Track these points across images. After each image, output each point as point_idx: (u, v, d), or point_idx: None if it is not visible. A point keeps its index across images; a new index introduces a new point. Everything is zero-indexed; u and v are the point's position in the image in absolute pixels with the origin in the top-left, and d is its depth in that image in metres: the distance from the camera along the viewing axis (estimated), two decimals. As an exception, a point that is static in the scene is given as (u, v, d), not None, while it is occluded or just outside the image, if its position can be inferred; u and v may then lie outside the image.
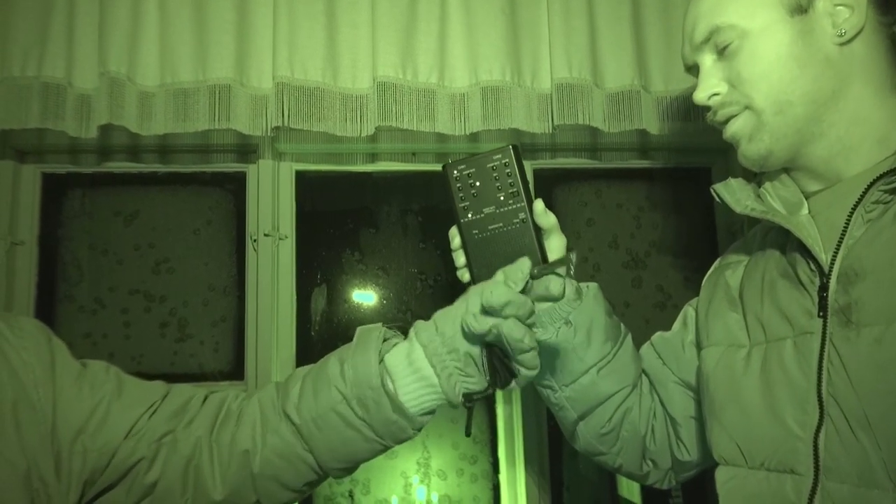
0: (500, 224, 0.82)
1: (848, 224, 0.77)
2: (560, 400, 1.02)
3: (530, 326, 0.75)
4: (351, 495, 1.66)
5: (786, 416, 0.77)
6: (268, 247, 1.58)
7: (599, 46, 1.46)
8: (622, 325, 1.05)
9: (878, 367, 0.69)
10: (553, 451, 1.62)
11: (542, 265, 0.79)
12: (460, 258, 0.87)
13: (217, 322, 1.62)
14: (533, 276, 0.77)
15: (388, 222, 1.73)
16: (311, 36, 1.41)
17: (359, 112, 1.41)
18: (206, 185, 1.66)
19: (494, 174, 0.83)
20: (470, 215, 0.83)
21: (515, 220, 0.82)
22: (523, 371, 0.75)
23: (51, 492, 0.72)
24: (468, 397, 0.76)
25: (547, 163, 1.69)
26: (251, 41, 1.40)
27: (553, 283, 0.79)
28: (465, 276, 0.87)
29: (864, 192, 0.76)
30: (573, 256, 0.77)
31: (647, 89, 1.47)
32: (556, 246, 0.90)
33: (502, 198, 0.83)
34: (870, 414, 0.69)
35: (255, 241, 1.58)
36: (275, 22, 1.39)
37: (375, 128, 1.40)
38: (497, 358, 0.76)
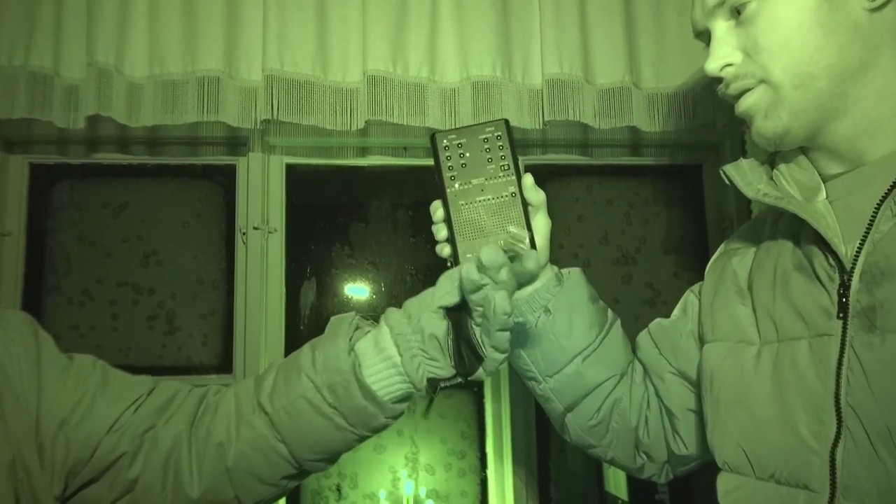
0: (490, 196, 0.80)
1: (874, 217, 0.69)
2: (545, 391, 0.98)
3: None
4: (339, 489, 1.66)
5: (799, 426, 0.71)
6: (257, 240, 1.57)
7: (591, 42, 1.46)
8: (610, 311, 1.00)
9: None
10: (541, 446, 1.62)
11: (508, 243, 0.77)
12: (441, 231, 0.82)
13: (206, 315, 1.62)
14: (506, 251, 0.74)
15: (379, 217, 1.73)
16: (302, 29, 1.40)
17: (349, 106, 1.40)
18: (195, 177, 1.66)
19: (486, 146, 0.81)
20: (458, 185, 0.81)
21: (505, 193, 0.79)
22: (492, 354, 0.73)
23: (34, 482, 0.72)
24: (433, 383, 0.75)
25: (538, 159, 1.69)
26: (240, 33, 1.39)
27: (527, 258, 0.75)
28: (444, 250, 0.81)
29: (895, 183, 0.68)
30: (524, 233, 0.74)
31: (639, 86, 1.47)
32: (541, 225, 0.85)
33: (492, 169, 0.80)
34: (893, 430, 0.63)
35: (244, 234, 1.58)
36: (265, 14, 1.38)
37: (366, 122, 1.39)
38: (464, 341, 0.74)
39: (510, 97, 1.43)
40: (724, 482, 0.80)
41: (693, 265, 1.71)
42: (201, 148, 1.62)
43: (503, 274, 0.71)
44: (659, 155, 1.73)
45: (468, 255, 0.77)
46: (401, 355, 0.75)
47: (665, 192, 1.77)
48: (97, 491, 0.77)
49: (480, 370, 0.74)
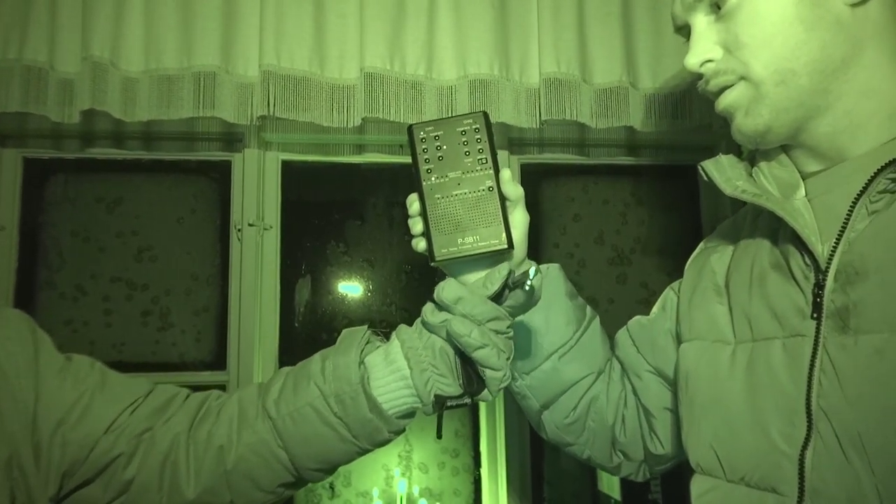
0: (466, 190, 0.78)
1: (850, 215, 0.68)
2: (521, 388, 0.97)
3: (500, 332, 0.75)
4: (332, 487, 1.66)
5: (770, 428, 0.70)
6: (252, 237, 1.57)
7: (588, 42, 1.46)
8: (588, 308, 0.99)
9: (877, 382, 0.61)
10: (534, 445, 1.63)
11: (516, 275, 0.78)
12: (417, 225, 0.81)
13: (199, 311, 1.61)
14: (509, 287, 0.76)
15: (374, 214, 1.72)
16: (299, 24, 1.39)
17: (345, 102, 1.40)
18: (190, 173, 1.65)
19: (464, 138, 0.79)
20: (434, 178, 0.79)
21: (482, 188, 0.78)
22: (488, 372, 0.74)
23: (30, 482, 0.72)
24: (440, 400, 0.75)
25: (534, 158, 1.69)
26: (237, 28, 1.38)
27: (518, 294, 0.77)
28: (420, 244, 0.81)
29: (870, 180, 0.67)
30: (531, 272, 0.75)
31: (635, 86, 1.47)
32: (518, 221, 0.83)
33: (469, 163, 0.79)
34: (864, 434, 0.62)
35: (239, 230, 1.57)
36: (262, 9, 1.37)
37: (362, 119, 1.39)
38: (469, 361, 0.75)
39: (507, 96, 1.42)
40: (697, 484, 0.79)
41: (688, 266, 1.71)
42: (197, 143, 1.61)
43: (461, 306, 0.74)
44: (655, 155, 1.73)
45: (444, 251, 0.77)
46: (410, 368, 0.76)
47: (661, 193, 1.77)
48: (92, 492, 0.77)
49: (486, 391, 0.76)
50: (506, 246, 0.76)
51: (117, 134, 1.57)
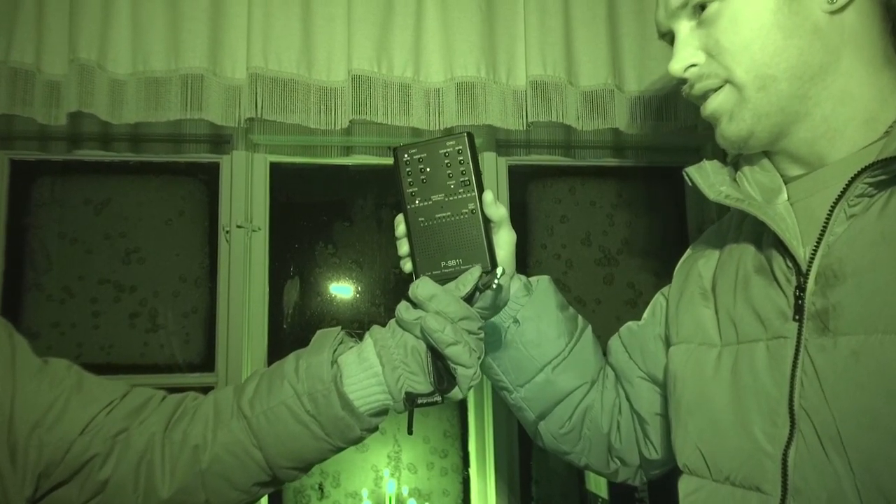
0: (448, 213, 0.79)
1: (829, 219, 0.69)
2: (517, 401, 0.99)
3: (472, 331, 0.77)
4: (321, 488, 1.66)
5: (754, 428, 0.71)
6: (240, 238, 1.57)
7: (574, 45, 1.47)
8: (580, 318, 1.01)
9: (855, 384, 0.63)
10: (522, 445, 1.63)
11: (485, 278, 0.78)
12: (403, 247, 0.82)
13: (188, 313, 1.61)
14: (479, 289, 0.77)
15: (363, 216, 1.73)
16: (287, 27, 1.40)
17: (333, 105, 1.40)
18: (178, 174, 1.65)
19: (446, 161, 0.80)
20: (417, 202, 0.80)
21: (464, 211, 0.79)
22: (459, 370, 0.75)
23: (6, 483, 0.72)
24: (410, 397, 0.76)
25: (521, 159, 1.70)
26: (225, 30, 1.39)
27: (487, 295, 0.79)
28: (406, 265, 0.82)
29: (848, 185, 0.68)
30: (499, 272, 0.77)
31: (621, 88, 1.48)
32: (504, 240, 0.83)
33: (452, 186, 0.79)
34: (843, 434, 0.63)
35: (227, 232, 1.57)
36: (249, 12, 1.38)
37: (350, 121, 1.40)
38: (440, 359, 0.77)
39: (494, 98, 1.43)
40: (684, 485, 0.80)
41: (674, 267, 1.72)
42: (185, 145, 1.61)
43: (434, 303, 0.75)
44: (641, 157, 1.74)
45: (427, 273, 0.79)
46: (382, 366, 0.77)
47: (647, 194, 1.78)
48: (68, 493, 0.77)
49: (456, 390, 0.77)
50: (489, 268, 0.77)
51: (104, 136, 1.57)
